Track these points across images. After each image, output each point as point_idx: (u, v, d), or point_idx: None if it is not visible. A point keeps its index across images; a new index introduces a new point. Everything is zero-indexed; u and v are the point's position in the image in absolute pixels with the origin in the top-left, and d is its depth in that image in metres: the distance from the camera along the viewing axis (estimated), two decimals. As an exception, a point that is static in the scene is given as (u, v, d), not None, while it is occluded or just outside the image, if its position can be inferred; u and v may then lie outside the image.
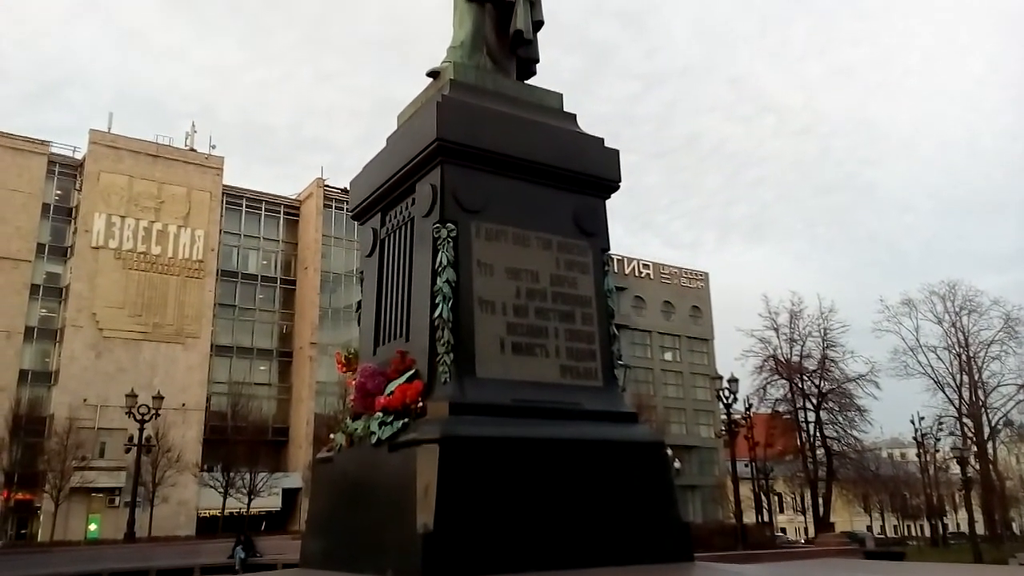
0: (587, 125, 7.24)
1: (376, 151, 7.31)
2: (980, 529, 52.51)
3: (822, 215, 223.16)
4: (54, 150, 56.77)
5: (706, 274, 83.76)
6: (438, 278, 5.86)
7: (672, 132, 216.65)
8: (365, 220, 7.36)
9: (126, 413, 35.52)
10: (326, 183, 64.54)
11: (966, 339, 52.73)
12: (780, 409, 50.45)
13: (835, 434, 48.87)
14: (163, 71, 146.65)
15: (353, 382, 6.35)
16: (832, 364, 49.20)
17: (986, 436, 53.09)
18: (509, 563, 5.13)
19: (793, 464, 52.69)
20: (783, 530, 67.45)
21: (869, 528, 71.88)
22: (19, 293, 52.38)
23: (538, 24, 7.53)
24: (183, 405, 52.12)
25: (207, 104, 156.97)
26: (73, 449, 43.35)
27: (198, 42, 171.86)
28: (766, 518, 45.83)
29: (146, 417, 34.74)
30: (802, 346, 50.07)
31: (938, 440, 55.35)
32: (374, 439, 5.79)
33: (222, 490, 46.06)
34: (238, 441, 48.13)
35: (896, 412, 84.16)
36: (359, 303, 7.33)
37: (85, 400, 49.85)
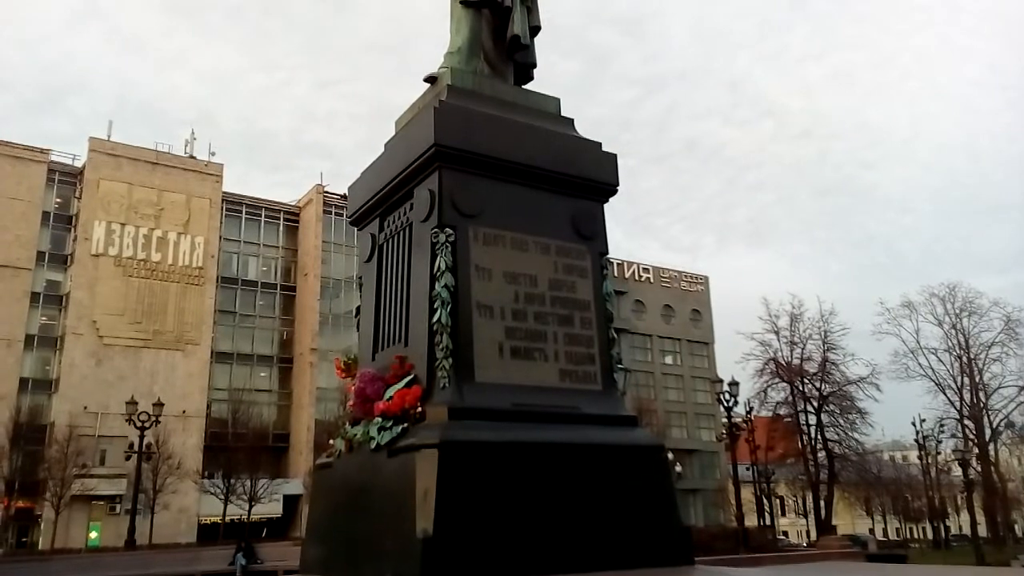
0: (586, 130, 7.25)
1: (375, 157, 7.32)
2: (982, 531, 52.40)
3: (821, 218, 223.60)
4: (54, 158, 56.87)
5: (706, 277, 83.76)
6: (436, 283, 5.86)
7: (671, 136, 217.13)
8: (364, 225, 7.36)
9: (126, 420, 35.47)
10: (326, 189, 64.62)
11: (967, 341, 52.64)
12: (781, 412, 50.36)
13: (836, 437, 48.76)
14: (164, 78, 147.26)
15: (352, 387, 6.35)
16: (833, 367, 49.13)
17: (987, 438, 52.95)
18: (509, 568, 5.13)
19: (794, 467, 52.60)
20: (785, 533, 67.39)
21: (871, 531, 71.89)
22: (19, 301, 52.39)
23: (535, 29, 7.55)
24: (183, 412, 52.09)
25: (207, 111, 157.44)
26: (74, 457, 43.34)
27: (199, 49, 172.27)
28: (768, 521, 45.72)
29: (146, 424, 34.72)
30: (803, 349, 50.02)
31: (939, 442, 55.27)
32: (373, 444, 5.78)
33: (223, 497, 46.02)
34: (239, 448, 48.09)
35: (897, 415, 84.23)
36: (358, 309, 7.33)
37: (85, 408, 49.81)
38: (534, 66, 7.70)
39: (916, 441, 54.35)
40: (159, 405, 36.16)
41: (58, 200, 56.68)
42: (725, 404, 34.28)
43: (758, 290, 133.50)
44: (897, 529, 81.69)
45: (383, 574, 5.23)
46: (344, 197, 52.40)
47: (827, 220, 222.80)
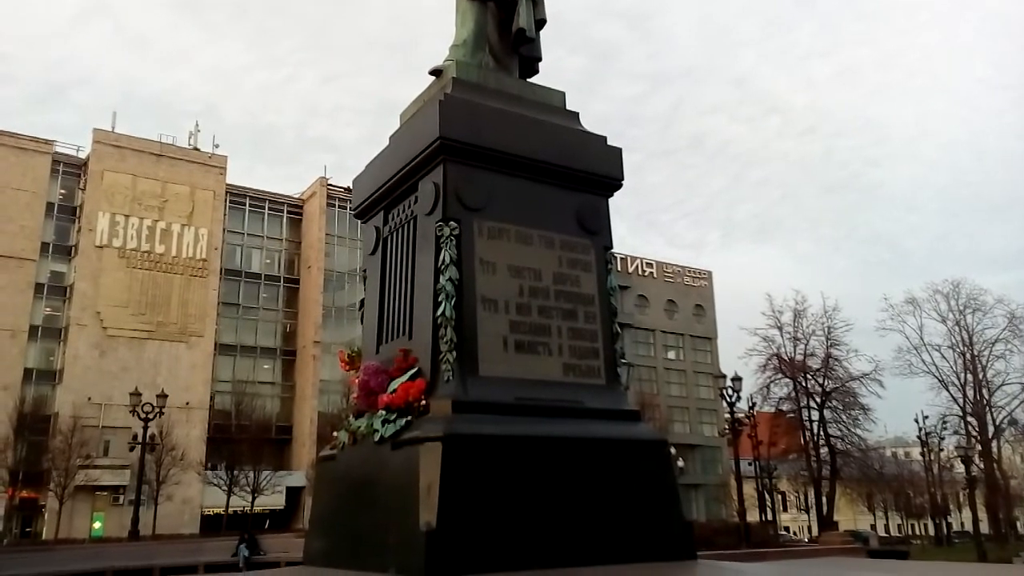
0: (591, 124, 7.23)
1: (379, 150, 7.31)
2: (984, 528, 52.45)
3: (827, 215, 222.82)
4: (58, 149, 56.89)
5: (709, 273, 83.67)
6: (441, 276, 5.87)
7: (677, 132, 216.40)
8: (368, 218, 7.36)
9: (130, 412, 35.58)
10: (329, 182, 64.59)
11: (970, 338, 52.53)
12: (784, 408, 50.39)
13: (839, 433, 48.79)
14: (169, 73, 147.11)
15: (356, 380, 6.36)
16: (836, 363, 49.14)
17: (990, 435, 52.90)
18: (511, 560, 5.14)
19: (797, 463, 52.64)
20: (787, 529, 67.38)
21: (873, 527, 71.79)
22: (23, 292, 52.48)
23: (540, 23, 7.52)
24: (187, 403, 52.21)
25: (213, 106, 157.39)
26: (77, 447, 43.46)
27: (204, 45, 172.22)
28: (769, 517, 45.77)
29: (150, 415, 34.81)
30: (806, 345, 50.04)
31: (942, 439, 55.25)
32: (377, 437, 5.79)
33: (226, 488, 46.16)
34: (242, 439, 48.20)
35: (900, 411, 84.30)
36: (362, 301, 7.34)
37: (89, 399, 49.95)
38: (539, 60, 7.68)
39: (919, 438, 54.34)
40: (163, 396, 36.27)
41: (62, 191, 56.72)
42: (728, 399, 34.29)
43: (762, 286, 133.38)
44: (899, 525, 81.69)
45: (386, 566, 5.24)
46: (348, 190, 52.40)
47: (832, 217, 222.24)
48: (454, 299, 5.81)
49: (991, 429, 52.97)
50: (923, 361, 52.52)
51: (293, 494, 54.70)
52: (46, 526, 46.87)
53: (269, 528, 48.47)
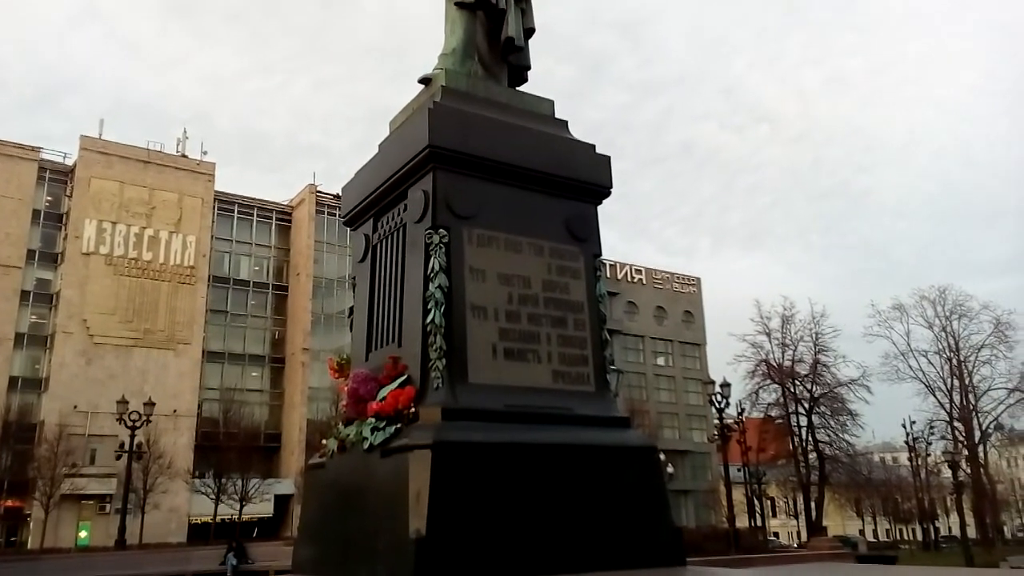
0: (582, 132, 7.27)
1: (369, 158, 7.32)
2: (971, 533, 52.70)
3: (816, 222, 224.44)
4: (45, 156, 56.62)
5: (698, 279, 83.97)
6: (430, 284, 5.87)
7: (667, 140, 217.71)
8: (357, 226, 7.36)
9: (117, 420, 35.37)
10: (318, 189, 64.52)
11: (957, 343, 52.93)
12: (772, 413, 50.63)
13: (827, 438, 49.03)
14: (161, 79, 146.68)
15: (345, 388, 6.35)
16: (824, 369, 49.42)
17: (977, 440, 53.26)
18: (501, 568, 5.14)
19: (786, 468, 52.82)
20: (776, 534, 67.57)
21: (861, 532, 72.14)
22: (9, 299, 52.16)
23: (529, 31, 7.56)
24: (174, 411, 51.94)
25: (205, 112, 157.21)
26: (63, 456, 43.20)
27: (197, 51, 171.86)
28: (759, 522, 45.86)
29: (137, 424, 34.61)
30: (794, 351, 50.31)
31: (929, 444, 55.57)
32: (366, 445, 5.78)
33: (214, 497, 45.92)
34: (230, 447, 47.97)
35: (888, 416, 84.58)
36: (351, 309, 7.33)
37: (75, 407, 49.64)
38: (528, 68, 7.71)
39: (906, 443, 54.60)
40: (150, 404, 36.04)
41: (49, 198, 56.44)
42: (717, 405, 34.39)
43: (752, 293, 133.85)
44: (887, 530, 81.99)
45: (376, 574, 5.24)
46: (337, 197, 52.35)
47: (822, 224, 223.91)
48: (443, 307, 5.82)
49: (977, 434, 53.36)
50: (910, 367, 52.91)
51: (281, 502, 54.46)
52: (31, 535, 46.48)
53: (257, 536, 48.21)
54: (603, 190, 7.03)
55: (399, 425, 5.62)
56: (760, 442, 47.82)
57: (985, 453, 56.40)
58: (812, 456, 48.75)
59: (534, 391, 6.02)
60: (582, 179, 6.86)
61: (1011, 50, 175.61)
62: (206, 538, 45.55)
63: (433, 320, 5.78)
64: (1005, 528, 70.52)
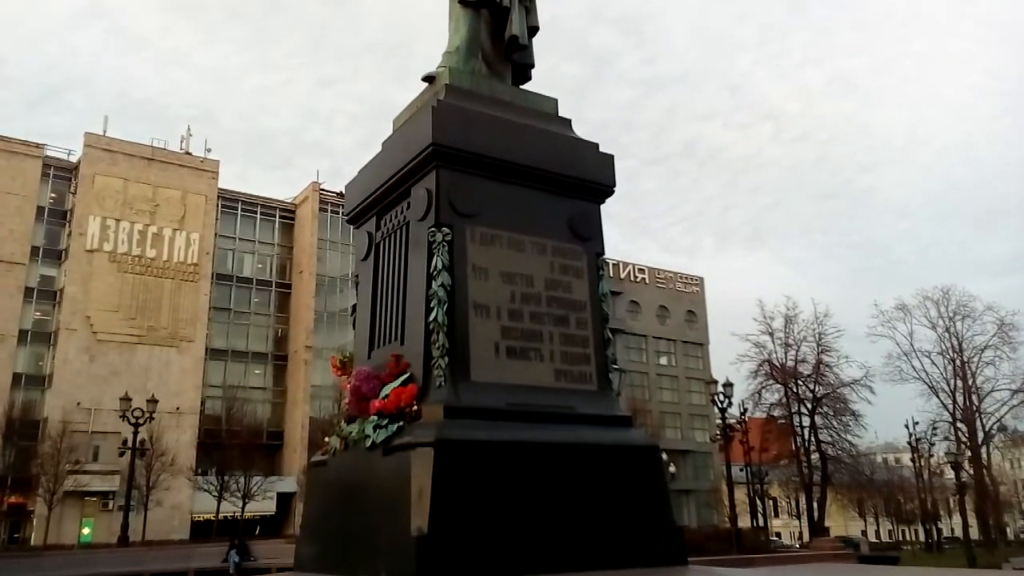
0: (585, 131, 7.26)
1: (373, 155, 7.32)
2: (974, 534, 52.59)
3: (819, 221, 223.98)
4: (49, 153, 56.69)
5: (701, 278, 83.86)
6: (433, 282, 5.88)
7: (670, 138, 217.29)
8: (360, 224, 7.37)
9: (120, 417, 35.42)
10: (321, 187, 64.52)
11: (960, 344, 52.91)
12: (775, 414, 50.60)
13: (830, 439, 49.02)
14: (165, 76, 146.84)
15: (348, 385, 6.35)
16: (827, 369, 49.41)
17: (980, 441, 53.24)
18: (503, 567, 5.14)
19: (788, 468, 52.77)
20: (778, 535, 67.52)
21: (864, 533, 72.03)
22: (13, 296, 52.22)
23: (533, 30, 7.56)
24: (177, 409, 51.96)
25: (209, 109, 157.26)
26: (67, 453, 43.21)
27: (200, 48, 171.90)
28: (761, 523, 45.82)
29: (140, 421, 34.65)
30: (797, 351, 50.30)
31: (932, 445, 55.47)
32: (369, 442, 5.79)
33: (216, 494, 45.93)
34: (232, 445, 47.95)
35: (890, 417, 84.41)
36: (354, 307, 7.33)
37: (79, 404, 49.69)
38: (532, 66, 7.70)
39: (909, 444, 54.42)
40: (153, 401, 36.10)
41: (53, 195, 56.50)
42: (719, 405, 34.38)
43: (755, 292, 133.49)
44: (889, 531, 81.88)
45: (378, 572, 5.24)
46: (340, 195, 52.42)
47: (825, 223, 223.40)
48: (446, 305, 5.83)
49: (981, 435, 53.34)
50: (913, 367, 52.93)
51: (284, 500, 54.50)
52: (35, 532, 46.55)
53: (260, 534, 48.27)
54: (606, 189, 7.02)
55: (401, 423, 5.63)
56: (762, 442, 47.77)
57: (988, 454, 56.37)
58: (815, 456, 48.74)
59: (536, 390, 6.02)
60: (585, 178, 6.86)
61: (1013, 49, 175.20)
62: (209, 535, 45.58)
63: (436, 318, 5.79)
64: (1008, 529, 70.34)
